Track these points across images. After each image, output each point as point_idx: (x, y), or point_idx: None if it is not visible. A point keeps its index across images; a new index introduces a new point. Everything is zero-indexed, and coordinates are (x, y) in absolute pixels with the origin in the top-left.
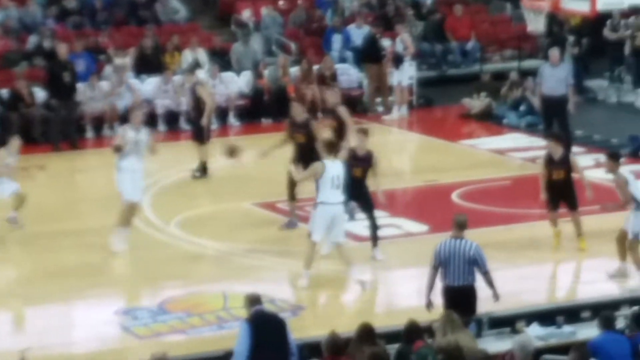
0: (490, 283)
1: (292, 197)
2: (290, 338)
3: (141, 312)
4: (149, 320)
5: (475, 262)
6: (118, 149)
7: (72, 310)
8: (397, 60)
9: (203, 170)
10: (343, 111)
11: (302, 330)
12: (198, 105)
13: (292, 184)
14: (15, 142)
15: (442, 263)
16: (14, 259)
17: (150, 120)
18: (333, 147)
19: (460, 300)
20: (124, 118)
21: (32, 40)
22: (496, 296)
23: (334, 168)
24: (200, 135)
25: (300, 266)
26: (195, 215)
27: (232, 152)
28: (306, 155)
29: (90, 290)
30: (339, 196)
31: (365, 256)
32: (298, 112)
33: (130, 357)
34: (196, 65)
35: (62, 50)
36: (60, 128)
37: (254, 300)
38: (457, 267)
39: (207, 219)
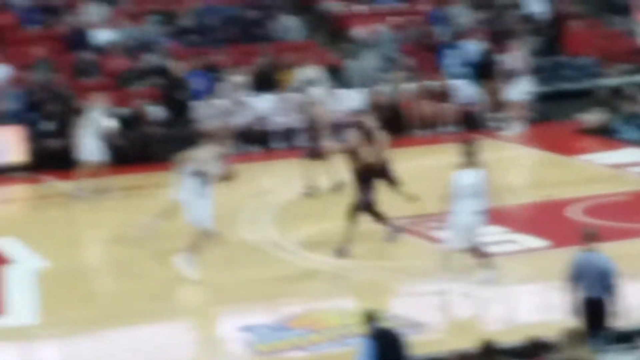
0: (616, 298)
1: (379, 217)
2: (408, 353)
3: (262, 328)
4: (269, 337)
5: (607, 275)
6: (228, 178)
7: (195, 326)
8: (511, 76)
9: (312, 187)
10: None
11: (422, 346)
12: (313, 123)
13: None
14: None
15: (576, 276)
16: (141, 275)
17: (266, 138)
18: (469, 156)
19: (592, 313)
20: (239, 135)
21: (147, 59)
22: (617, 313)
23: (465, 178)
24: (315, 154)
25: (419, 282)
26: (314, 232)
27: (228, 177)
28: (363, 179)
29: (212, 306)
30: (470, 205)
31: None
32: (354, 138)
33: None
34: (311, 82)
35: (178, 68)
36: (178, 146)
37: (371, 316)
38: (590, 280)
39: (325, 235)
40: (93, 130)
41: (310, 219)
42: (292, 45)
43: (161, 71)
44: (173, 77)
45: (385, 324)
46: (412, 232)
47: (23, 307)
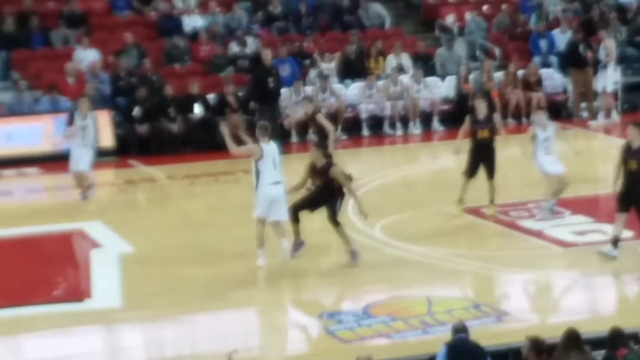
0: None
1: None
2: None
3: (346, 315)
4: (353, 324)
5: None
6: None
7: (277, 313)
8: (601, 66)
9: None
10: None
11: (506, 336)
12: (322, 131)
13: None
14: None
15: None
16: (225, 261)
17: (354, 125)
18: None
19: None
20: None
21: (237, 46)
22: None
23: None
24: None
25: (501, 271)
26: (399, 220)
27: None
28: (324, 199)
29: (295, 293)
30: None
31: (570, 262)
32: (317, 156)
33: None
34: (401, 70)
35: (267, 55)
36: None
37: (459, 328)
38: None
39: (410, 223)
40: (82, 138)
41: (397, 206)
42: (381, 33)
43: (251, 58)
44: (263, 64)
45: (471, 339)
46: (500, 221)
47: (108, 291)
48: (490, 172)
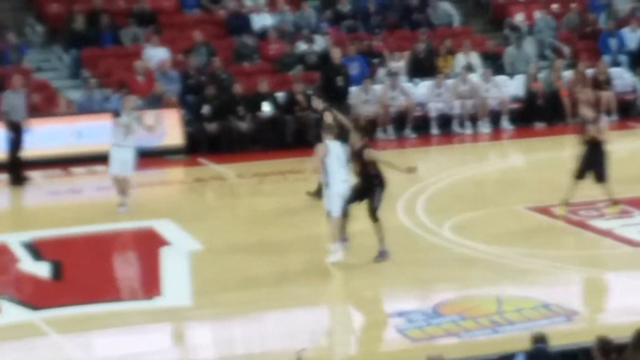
0: None
1: None
2: None
3: (416, 314)
4: (423, 323)
5: None
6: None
7: (347, 311)
8: None
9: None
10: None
11: (577, 335)
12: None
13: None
14: None
15: None
16: (294, 258)
17: (423, 124)
18: None
19: None
20: (397, 121)
21: (306, 44)
22: None
23: None
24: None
25: (570, 270)
26: (468, 219)
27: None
28: (365, 189)
29: (364, 291)
30: None
31: None
32: (355, 139)
33: (405, 359)
34: (470, 68)
35: (336, 54)
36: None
37: (538, 338)
38: None
39: (479, 222)
40: (124, 137)
41: (467, 205)
42: (450, 31)
43: (320, 57)
44: (332, 63)
45: (550, 349)
46: (570, 220)
47: (177, 289)
48: (600, 176)
